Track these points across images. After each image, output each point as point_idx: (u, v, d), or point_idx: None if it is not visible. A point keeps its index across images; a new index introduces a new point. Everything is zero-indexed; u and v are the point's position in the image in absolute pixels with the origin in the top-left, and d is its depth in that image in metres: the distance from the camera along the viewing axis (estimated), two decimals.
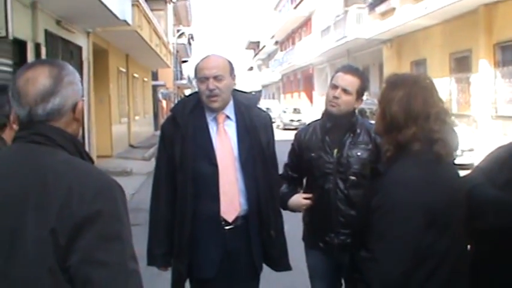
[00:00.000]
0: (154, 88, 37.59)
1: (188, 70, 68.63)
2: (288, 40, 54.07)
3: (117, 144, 20.90)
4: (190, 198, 3.44)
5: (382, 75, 26.96)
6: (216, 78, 3.43)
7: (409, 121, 2.36)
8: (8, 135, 2.88)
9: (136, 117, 27.71)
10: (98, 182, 1.84)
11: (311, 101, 42.44)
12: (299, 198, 3.77)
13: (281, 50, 57.39)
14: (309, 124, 3.98)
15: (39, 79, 1.90)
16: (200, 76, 3.47)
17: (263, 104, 52.92)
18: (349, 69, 3.71)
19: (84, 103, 16.07)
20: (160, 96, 41.24)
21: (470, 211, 2.39)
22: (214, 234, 3.48)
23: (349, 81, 3.61)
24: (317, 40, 35.87)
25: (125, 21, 15.08)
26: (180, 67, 60.07)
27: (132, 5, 17.02)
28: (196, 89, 3.61)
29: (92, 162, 2.05)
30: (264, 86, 75.89)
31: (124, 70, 24.24)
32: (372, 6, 24.64)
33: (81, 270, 1.70)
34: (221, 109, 3.53)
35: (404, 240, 2.26)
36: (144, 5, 20.39)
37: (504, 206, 2.33)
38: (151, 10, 24.95)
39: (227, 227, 3.49)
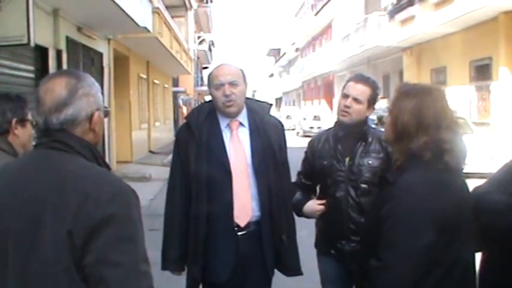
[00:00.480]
0: (175, 94, 37.78)
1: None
2: (308, 47, 54.09)
3: (137, 150, 21.05)
4: (204, 203, 3.51)
5: None
6: (231, 84, 3.51)
7: (421, 131, 2.40)
8: (12, 140, 3.02)
9: (157, 123, 27.90)
10: (113, 187, 1.92)
11: (331, 108, 42.37)
12: (314, 204, 3.80)
13: (302, 57, 57.43)
14: (321, 133, 4.01)
15: (56, 90, 2.01)
16: (216, 83, 3.54)
17: (283, 111, 53.02)
18: (360, 79, 3.74)
19: None
20: (180, 102, 41.39)
21: (480, 218, 2.42)
22: (228, 239, 3.54)
23: (361, 90, 3.65)
24: (337, 47, 35.85)
25: (145, 28, 15.26)
26: (201, 73, 60.30)
27: (153, 12, 17.20)
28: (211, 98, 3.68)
29: (109, 168, 2.14)
30: (284, 93, 76.00)
31: (144, 76, 24.44)
32: (392, 14, 24.57)
33: (95, 269, 1.78)
34: (236, 115, 3.60)
35: (416, 248, 2.29)
36: (165, 12, 20.55)
37: None
38: (172, 17, 25.15)
39: (240, 232, 3.55)
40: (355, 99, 3.63)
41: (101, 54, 16.16)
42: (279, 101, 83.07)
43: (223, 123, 3.62)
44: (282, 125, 3.89)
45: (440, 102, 2.48)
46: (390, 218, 2.38)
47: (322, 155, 3.79)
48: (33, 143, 3.16)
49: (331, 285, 3.92)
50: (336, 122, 3.81)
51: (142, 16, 14.80)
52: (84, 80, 2.08)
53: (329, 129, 3.94)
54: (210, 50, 60.61)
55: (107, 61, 16.77)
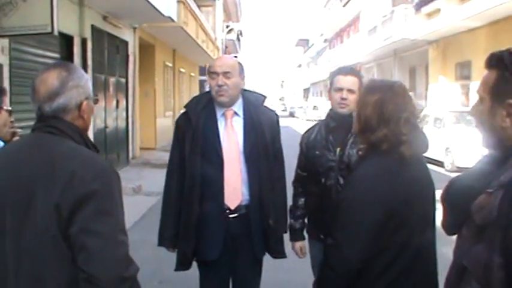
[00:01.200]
0: (202, 83, 38.08)
1: None
2: (336, 38, 54.00)
3: (161, 137, 21.39)
4: (198, 186, 3.78)
5: (428, 77, 26.83)
6: (225, 74, 3.78)
7: (381, 124, 2.58)
8: None
9: (181, 111, 28.15)
10: (97, 167, 2.19)
11: None
12: (298, 250, 4.18)
13: (330, 48, 57.37)
14: (314, 125, 4.21)
15: (49, 80, 2.28)
16: (211, 71, 3.82)
17: (310, 102, 52.99)
18: (348, 71, 3.97)
19: (129, 96, 16.61)
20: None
21: (446, 200, 2.48)
22: (218, 220, 3.81)
23: (352, 81, 3.87)
24: (364, 39, 35.82)
25: (170, 17, 15.50)
26: None
27: (178, 1, 17.46)
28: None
29: (97, 150, 2.41)
30: (312, 84, 75.93)
31: (170, 65, 24.76)
32: (418, 7, 24.56)
33: (78, 238, 2.05)
34: (229, 105, 3.86)
35: (362, 230, 2.50)
36: (190, 2, 20.77)
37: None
38: (200, 6, 25.36)
39: (231, 215, 3.82)
40: (349, 90, 3.84)
41: (126, 43, 16.50)
42: (306, 91, 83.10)
43: (219, 112, 3.88)
44: (277, 116, 4.13)
45: (402, 97, 2.65)
46: (343, 201, 2.62)
47: (314, 145, 3.99)
48: (9, 129, 3.74)
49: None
50: (328, 114, 4.02)
51: (167, 6, 15.08)
52: (74, 73, 2.34)
53: (321, 120, 4.15)
54: (238, 39, 60.76)
55: (132, 49, 17.11)
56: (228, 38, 50.59)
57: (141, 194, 11.90)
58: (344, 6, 43.80)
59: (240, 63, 3.94)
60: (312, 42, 72.52)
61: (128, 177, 13.85)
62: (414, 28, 25.12)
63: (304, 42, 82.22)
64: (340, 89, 3.89)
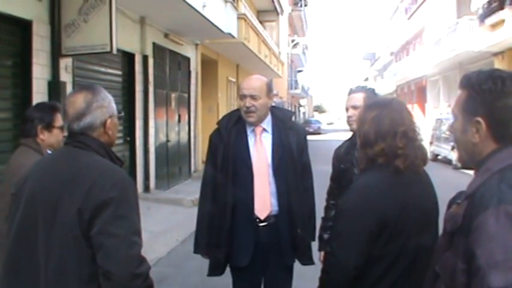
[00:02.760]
0: None
1: (303, 80, 69.25)
2: (402, 51, 53.53)
3: None
4: (230, 197, 4.06)
5: None
6: (252, 97, 4.07)
7: (379, 139, 2.72)
8: (40, 141, 3.87)
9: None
10: (115, 177, 2.52)
11: (424, 114, 41.89)
12: None
13: (396, 61, 56.91)
14: (346, 140, 4.38)
15: (76, 103, 2.64)
16: (240, 94, 4.14)
17: None
18: (354, 90, 4.20)
19: (191, 111, 17.04)
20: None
21: None
22: (249, 229, 4.08)
23: (356, 98, 4.08)
24: (429, 52, 35.44)
25: (230, 34, 15.85)
26: (295, 77, 60.82)
27: (239, 18, 17.78)
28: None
29: (122, 162, 2.76)
30: None
31: (234, 80, 25.17)
32: (482, 18, 24.16)
33: (97, 239, 2.37)
34: (258, 123, 4.15)
35: (355, 239, 2.63)
36: (252, 18, 21.12)
37: None
38: (262, 22, 25.71)
39: (260, 224, 4.08)
40: (354, 107, 4.06)
41: (188, 59, 16.96)
42: None
43: (249, 128, 4.17)
44: (304, 131, 4.42)
45: (399, 112, 2.79)
46: (340, 212, 2.80)
47: (342, 159, 4.20)
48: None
49: None
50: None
51: (227, 22, 15.45)
52: (98, 95, 2.69)
53: (352, 136, 4.31)
54: (303, 53, 61.01)
55: (194, 65, 17.57)
56: (294, 53, 50.92)
57: None
58: (409, 18, 43.54)
59: (267, 84, 4.21)
60: (379, 56, 72.11)
61: (188, 190, 14.25)
62: (478, 40, 24.77)
63: (370, 56, 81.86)
64: (347, 108, 4.14)
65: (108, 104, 2.70)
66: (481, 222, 1.81)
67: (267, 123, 4.19)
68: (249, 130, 4.16)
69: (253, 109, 4.07)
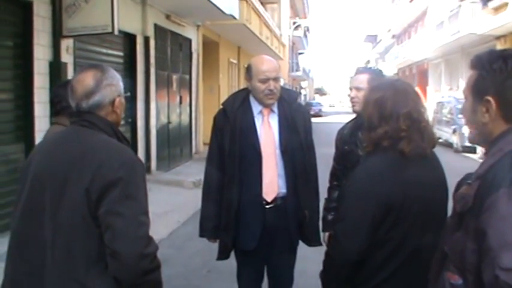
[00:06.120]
0: None
1: (304, 62, 69.03)
2: (404, 34, 53.30)
3: None
4: (237, 180, 4.02)
5: None
6: (275, 79, 4.02)
7: (382, 121, 2.67)
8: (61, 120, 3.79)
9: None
10: (123, 156, 2.47)
11: (425, 97, 41.79)
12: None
13: (397, 44, 56.69)
14: (349, 121, 4.37)
15: (85, 81, 2.59)
16: (262, 77, 4.00)
17: None
18: (358, 71, 4.19)
19: (193, 92, 17.02)
20: None
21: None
22: (256, 211, 4.03)
23: (359, 79, 4.07)
24: (431, 35, 35.27)
25: (232, 15, 15.78)
26: (296, 59, 60.63)
27: None
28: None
29: (128, 142, 2.71)
30: None
31: (235, 61, 25.12)
32: (485, 1, 24.05)
33: (105, 218, 2.33)
34: (272, 105, 4.09)
35: (358, 223, 2.60)
36: (253, 0, 21.01)
37: None
38: (264, 3, 25.60)
39: (267, 206, 4.04)
40: (357, 88, 4.05)
41: (189, 40, 16.91)
42: None
43: (256, 109, 4.11)
44: (308, 112, 4.38)
45: (403, 94, 2.73)
46: (344, 196, 2.78)
47: (346, 140, 4.18)
48: None
49: None
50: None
51: (229, 4, 15.36)
52: (107, 73, 2.64)
53: (355, 117, 4.31)
54: (305, 35, 60.80)
55: (196, 46, 17.52)
56: (295, 35, 50.75)
57: (200, 187, 12.17)
58: (411, 1, 43.26)
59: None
60: (380, 38, 71.74)
61: (189, 172, 14.26)
62: (481, 23, 24.65)
63: (372, 38, 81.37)
64: (351, 89, 4.13)
65: (116, 82, 2.66)
66: (492, 202, 1.80)
67: (274, 104, 4.13)
68: (256, 111, 4.10)
69: (276, 91, 4.03)
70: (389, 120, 2.67)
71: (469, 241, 1.90)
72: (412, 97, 2.76)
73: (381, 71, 4.33)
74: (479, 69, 2.03)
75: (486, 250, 1.78)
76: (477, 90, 2.03)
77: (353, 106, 4.09)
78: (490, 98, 1.97)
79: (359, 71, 4.18)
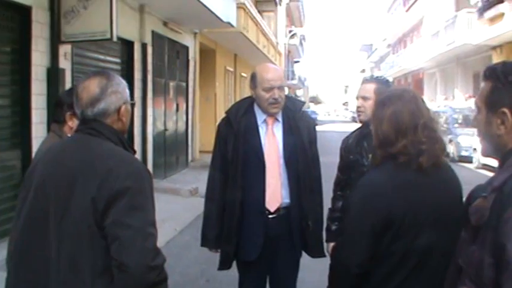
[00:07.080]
0: None
1: (300, 70, 69.12)
2: (399, 43, 53.45)
3: None
4: (240, 189, 3.96)
5: None
6: (279, 88, 3.97)
7: (400, 136, 2.55)
8: (66, 130, 3.65)
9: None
10: (131, 166, 2.42)
11: None
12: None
13: (393, 53, 56.82)
14: (354, 130, 4.32)
15: (90, 88, 2.53)
16: (266, 86, 3.95)
17: None
18: (366, 80, 4.16)
19: (189, 100, 16.98)
20: None
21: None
22: (259, 221, 3.97)
23: (366, 89, 4.02)
24: (427, 44, 35.37)
25: (229, 23, 15.77)
26: (292, 67, 60.70)
27: (238, 7, 17.71)
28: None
29: (134, 151, 2.66)
30: None
31: (231, 69, 25.11)
32: (481, 11, 24.11)
33: (112, 229, 2.27)
34: (277, 113, 4.04)
35: (358, 235, 2.53)
36: (251, 8, 21.04)
37: None
38: (261, 11, 25.63)
39: (270, 216, 3.98)
40: (363, 98, 4.00)
41: (187, 48, 16.86)
42: None
43: (260, 118, 4.05)
44: (314, 121, 4.33)
45: (414, 103, 2.62)
46: (347, 208, 2.74)
47: (350, 150, 4.13)
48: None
49: None
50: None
51: (227, 11, 15.36)
52: (113, 80, 2.58)
53: (361, 127, 4.25)
54: (301, 44, 60.90)
55: (193, 54, 17.48)
56: (291, 43, 50.78)
57: (197, 196, 12.13)
58: (407, 11, 43.42)
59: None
60: (376, 47, 71.97)
61: (185, 180, 14.20)
62: (477, 33, 24.73)
63: (367, 47, 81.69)
64: (357, 98, 4.08)
65: (122, 89, 2.59)
66: (511, 216, 1.77)
67: (279, 113, 4.07)
68: (260, 120, 4.05)
69: (281, 100, 3.98)
70: (406, 133, 2.55)
71: (486, 255, 1.86)
72: (423, 105, 2.67)
73: (387, 80, 4.29)
74: (493, 80, 2.01)
75: (505, 264, 1.75)
76: (492, 102, 2.00)
77: (359, 116, 4.04)
78: (506, 110, 1.94)
79: (366, 81, 4.13)
